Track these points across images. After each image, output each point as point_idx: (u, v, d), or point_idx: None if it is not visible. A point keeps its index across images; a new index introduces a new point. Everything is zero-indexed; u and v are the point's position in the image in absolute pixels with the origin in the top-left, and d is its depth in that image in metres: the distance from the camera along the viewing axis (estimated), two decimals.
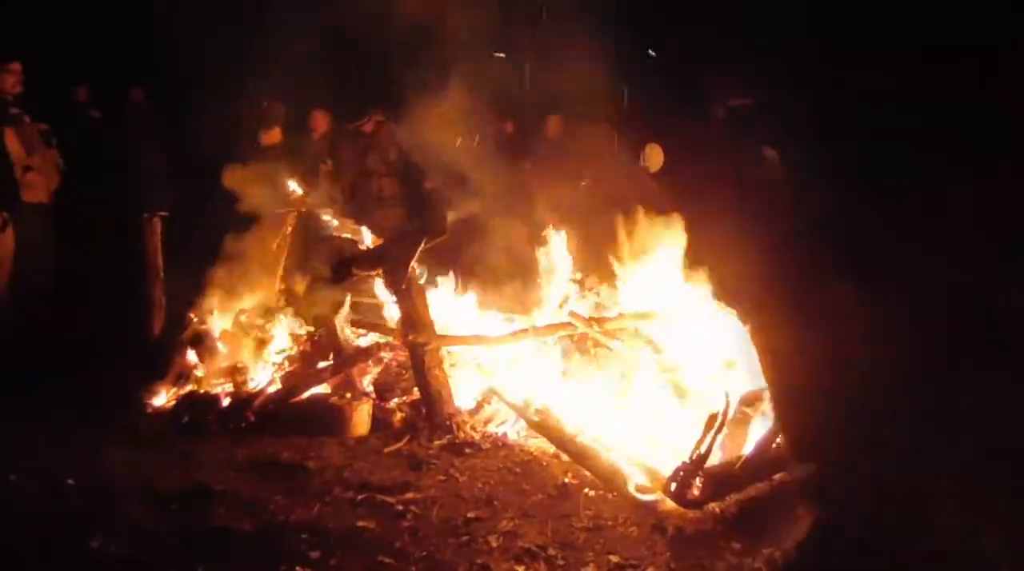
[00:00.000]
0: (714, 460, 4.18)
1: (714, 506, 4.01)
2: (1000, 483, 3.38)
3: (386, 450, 4.60)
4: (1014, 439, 3.41)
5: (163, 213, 6.30)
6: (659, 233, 5.66)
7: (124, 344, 5.79)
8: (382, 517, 3.84)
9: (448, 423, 4.78)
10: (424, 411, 4.92)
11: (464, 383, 5.21)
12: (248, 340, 5.65)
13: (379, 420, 4.90)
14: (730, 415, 4.34)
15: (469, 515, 3.89)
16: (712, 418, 4.20)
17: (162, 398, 5.20)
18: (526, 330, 5.31)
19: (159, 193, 7.07)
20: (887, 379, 3.73)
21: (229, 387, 5.31)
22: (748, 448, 4.38)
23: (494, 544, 3.64)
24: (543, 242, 6.26)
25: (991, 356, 3.59)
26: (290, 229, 6.52)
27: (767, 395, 4.74)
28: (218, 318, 5.85)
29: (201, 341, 5.64)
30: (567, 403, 4.84)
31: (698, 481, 4.05)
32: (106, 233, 6.77)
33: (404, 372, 5.39)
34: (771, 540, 3.80)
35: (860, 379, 3.77)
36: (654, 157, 7.91)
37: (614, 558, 3.59)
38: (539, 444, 4.69)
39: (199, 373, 5.46)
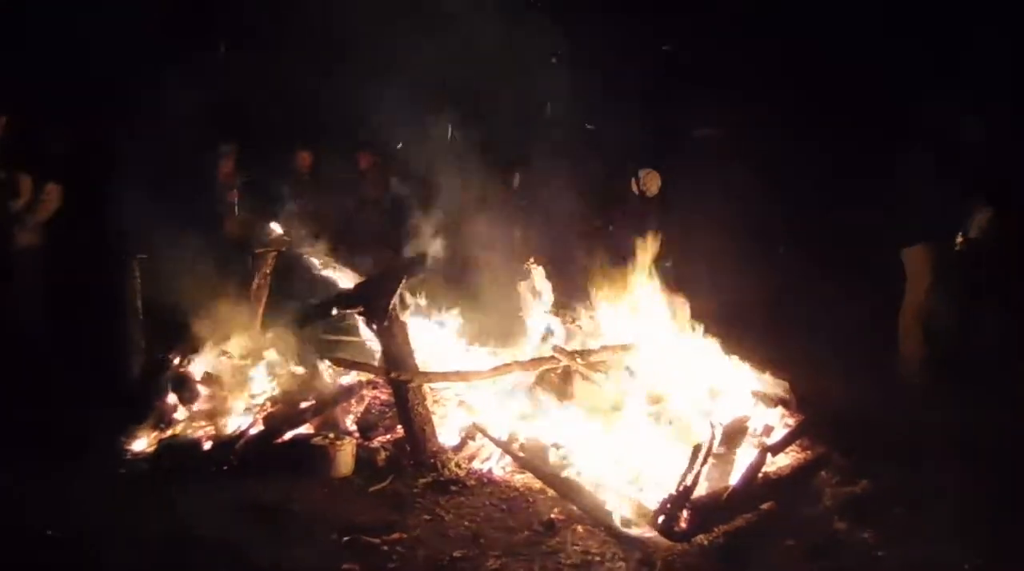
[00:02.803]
0: (701, 491, 4.19)
1: (701, 538, 4.02)
2: None
3: (370, 490, 4.56)
4: None
5: (142, 255, 6.27)
6: (637, 264, 5.74)
7: (103, 387, 5.71)
8: (368, 559, 3.80)
9: (432, 461, 4.76)
10: (408, 449, 4.90)
11: (448, 420, 5.20)
12: (229, 382, 5.59)
13: (363, 459, 4.85)
14: (715, 446, 4.36)
15: (455, 554, 3.86)
16: (697, 449, 4.21)
17: (143, 442, 5.13)
18: (509, 365, 5.31)
19: (137, 235, 7.04)
20: None
21: (211, 430, 5.25)
22: (734, 478, 4.39)
23: None
24: (524, 276, 6.31)
25: None
26: (269, 269, 6.49)
27: (751, 426, 4.78)
28: (199, 360, 5.80)
29: (182, 383, 5.58)
30: (552, 438, 4.84)
31: (685, 513, 4.06)
32: (83, 275, 6.73)
33: (387, 410, 5.36)
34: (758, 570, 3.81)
35: None
36: (653, 183, 8.01)
37: None
38: (525, 480, 4.68)
39: (180, 416, 5.40)
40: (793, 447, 4.90)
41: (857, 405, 5.45)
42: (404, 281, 5.08)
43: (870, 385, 5.84)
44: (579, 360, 5.23)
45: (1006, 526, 3.97)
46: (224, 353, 5.76)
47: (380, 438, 5.15)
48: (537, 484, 4.59)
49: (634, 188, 8.01)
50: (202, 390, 5.59)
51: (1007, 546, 3.82)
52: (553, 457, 4.67)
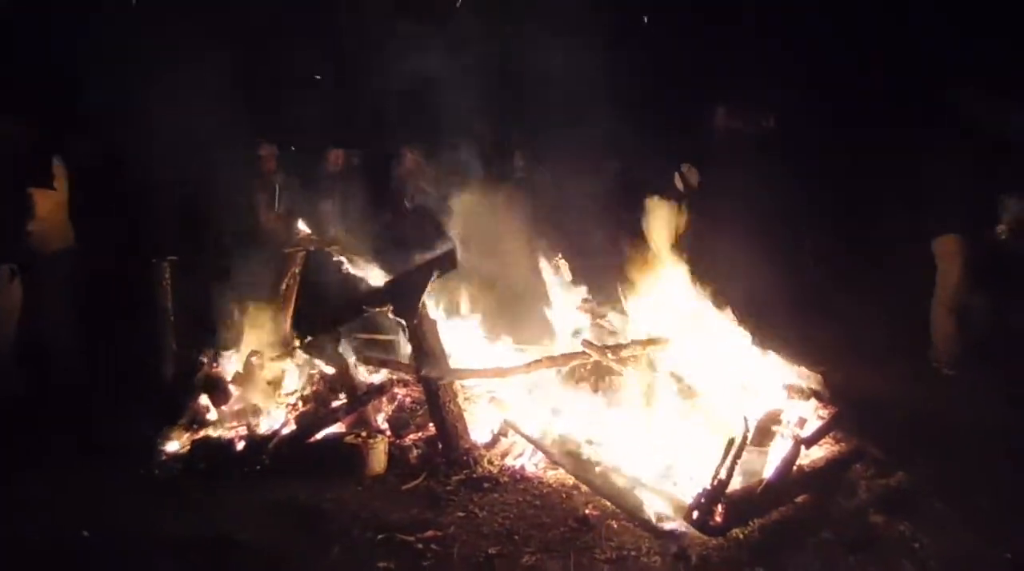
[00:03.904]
0: (735, 485, 4.18)
1: (737, 532, 4.01)
2: None
3: (404, 488, 4.60)
4: None
5: (172, 257, 6.34)
6: (666, 256, 5.72)
7: (136, 390, 5.80)
8: (402, 557, 3.83)
9: (465, 458, 4.77)
10: (440, 447, 4.91)
11: (479, 417, 5.21)
12: (261, 382, 5.65)
13: (395, 458, 4.88)
14: (748, 439, 4.34)
15: (490, 551, 3.89)
16: (730, 443, 4.20)
17: (176, 444, 5.19)
18: (540, 360, 5.32)
19: (167, 236, 7.13)
20: None
21: (243, 430, 5.31)
22: (769, 471, 4.37)
23: None
24: (554, 270, 6.32)
25: None
26: (299, 268, 6.54)
27: (785, 418, 4.75)
28: (230, 360, 5.87)
29: (214, 385, 5.64)
30: (584, 433, 4.85)
31: (719, 508, 4.04)
32: (114, 278, 6.82)
33: (419, 408, 5.38)
34: (796, 565, 3.79)
35: None
36: (693, 177, 7.98)
37: None
38: (558, 476, 4.69)
39: (212, 417, 5.46)
40: (827, 440, 4.88)
41: (891, 396, 5.41)
42: (434, 278, 5.08)
43: (904, 376, 5.80)
44: (609, 355, 5.23)
45: None
46: (255, 353, 5.81)
47: (412, 436, 5.17)
48: (570, 480, 4.60)
49: (677, 183, 7.97)
50: (233, 390, 5.65)
51: None
52: (586, 453, 4.66)
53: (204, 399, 5.55)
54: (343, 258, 6.74)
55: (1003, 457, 4.53)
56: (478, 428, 5.09)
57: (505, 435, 4.98)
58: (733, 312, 5.48)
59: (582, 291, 6.30)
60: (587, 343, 5.36)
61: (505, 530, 4.10)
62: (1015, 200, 6.28)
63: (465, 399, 5.29)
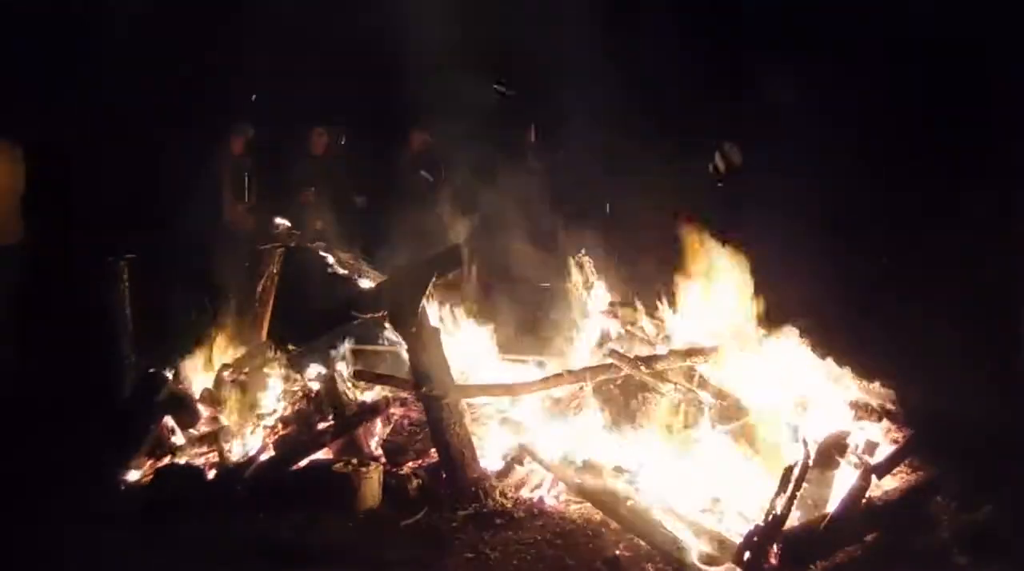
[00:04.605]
0: (793, 521, 4.15)
1: None
2: None
3: (402, 524, 4.58)
4: None
5: (130, 255, 6.35)
6: (709, 256, 5.70)
7: (90, 410, 5.80)
8: None
9: (473, 490, 4.76)
10: (444, 476, 4.91)
11: (490, 441, 5.20)
12: (234, 400, 5.66)
13: (392, 489, 4.87)
14: (809, 467, 4.32)
15: None
16: (788, 471, 4.17)
17: (137, 472, 5.21)
18: (560, 375, 5.31)
19: (123, 233, 7.16)
20: None
21: (214, 456, 5.32)
22: (833, 504, 4.34)
23: None
24: (575, 271, 6.31)
25: None
26: (277, 268, 6.56)
27: (851, 442, 4.72)
28: (198, 375, 5.88)
29: (179, 404, 5.66)
30: (613, 460, 4.83)
31: (775, 548, 4.02)
32: (63, 280, 6.85)
33: (419, 431, 5.38)
34: None
35: None
36: (736, 156, 7.98)
37: None
38: (582, 510, 4.68)
39: (178, 441, 5.48)
40: (902, 467, 4.85)
41: (975, 419, 5.36)
42: (436, 279, 5.08)
43: (990, 396, 5.75)
44: (643, 368, 5.21)
45: None
46: (227, 367, 5.82)
47: (411, 464, 5.17)
48: (597, 515, 4.58)
49: (719, 163, 7.97)
50: (202, 410, 5.66)
51: None
52: (616, 483, 4.64)
53: (168, 420, 5.55)
54: (328, 256, 6.77)
55: None
56: (488, 455, 5.08)
57: (520, 463, 4.96)
58: (791, 319, 5.46)
59: (610, 293, 6.29)
60: (616, 354, 5.34)
61: None
62: None
63: (473, 421, 5.29)
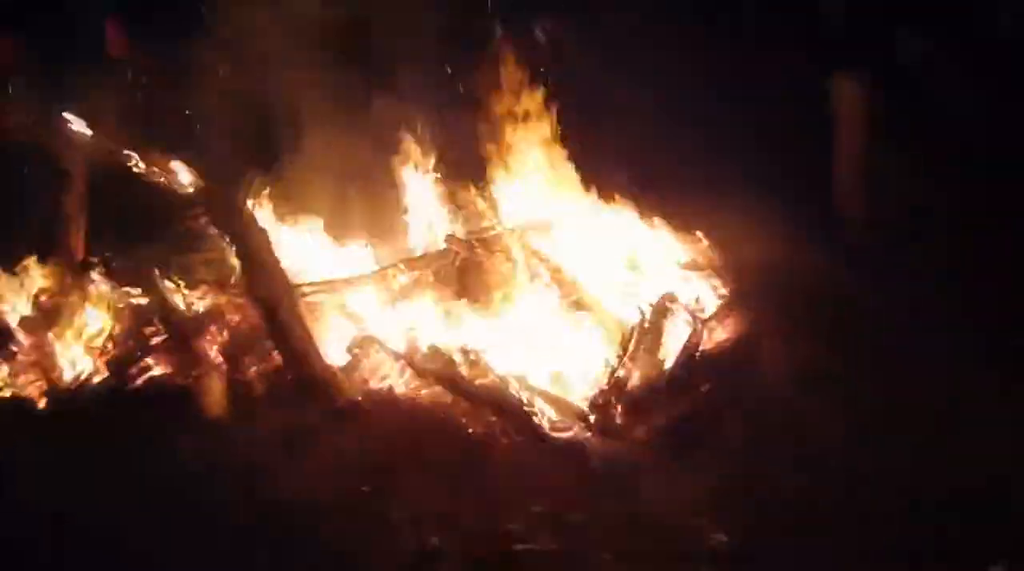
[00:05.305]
0: (635, 381, 4.35)
1: (642, 432, 4.19)
2: None
3: (253, 429, 4.51)
4: None
5: None
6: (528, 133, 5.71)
7: None
8: (260, 511, 3.79)
9: (322, 387, 4.73)
10: (291, 377, 4.85)
11: (333, 336, 5.16)
12: (56, 323, 5.40)
13: (238, 395, 4.80)
14: (645, 327, 4.50)
15: (364, 489, 3.91)
16: (626, 335, 4.34)
17: None
18: (395, 264, 5.29)
19: None
20: None
21: (43, 384, 5.09)
22: (669, 361, 4.56)
23: (400, 516, 3.69)
24: (399, 154, 6.19)
25: None
26: (83, 179, 6.18)
27: (682, 298, 4.93)
28: (11, 304, 5.56)
29: None
30: (458, 341, 4.89)
31: (620, 408, 4.21)
32: None
33: (260, 334, 5.27)
34: (707, 460, 4.01)
35: None
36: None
37: (540, 509, 3.70)
38: (433, 394, 4.72)
39: (1, 373, 5.21)
40: (729, 318, 5.08)
41: (795, 266, 5.60)
42: (257, 173, 4.92)
43: (810, 244, 5.98)
44: (478, 248, 5.25)
45: None
46: (44, 290, 5.52)
47: (255, 368, 5.08)
48: (448, 397, 4.64)
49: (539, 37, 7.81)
50: (22, 339, 5.38)
51: None
52: (462, 364, 4.72)
53: None
54: (135, 157, 6.39)
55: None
56: (333, 350, 5.05)
57: (366, 355, 4.95)
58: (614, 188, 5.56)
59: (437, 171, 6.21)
60: (451, 238, 5.36)
61: (379, 464, 4.12)
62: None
63: (314, 317, 5.21)
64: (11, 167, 6.26)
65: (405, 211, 6.08)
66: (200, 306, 5.44)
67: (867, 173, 6.45)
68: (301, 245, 5.83)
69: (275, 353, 5.00)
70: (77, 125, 6.44)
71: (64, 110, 6.59)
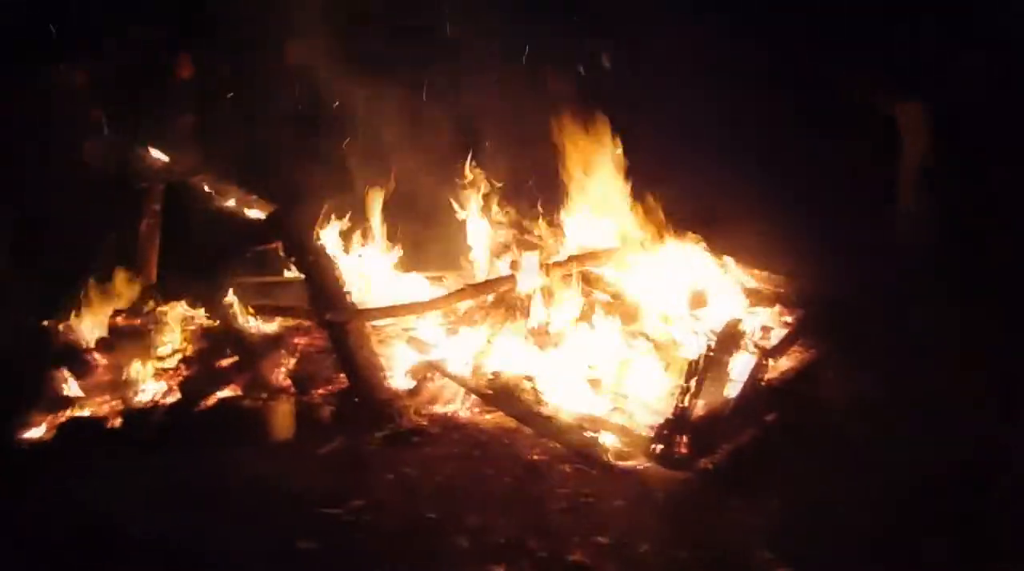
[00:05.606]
0: (698, 410, 4.32)
1: (705, 462, 4.16)
2: None
3: (319, 452, 4.59)
4: None
5: None
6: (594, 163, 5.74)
7: None
8: (328, 533, 3.84)
9: (387, 411, 4.79)
10: (357, 400, 4.92)
11: (398, 361, 5.22)
12: (129, 345, 5.53)
13: (305, 418, 4.87)
14: (711, 357, 4.47)
15: (429, 515, 3.93)
16: (692, 365, 4.33)
17: (37, 430, 5.07)
18: (462, 290, 5.34)
19: None
20: None
21: (117, 404, 5.21)
22: (733, 390, 4.52)
23: (464, 544, 3.70)
24: (464, 183, 6.27)
25: None
26: (159, 205, 6.36)
27: (746, 325, 4.89)
28: (88, 325, 5.71)
29: (71, 355, 5.50)
30: (522, 368, 4.92)
31: (683, 438, 4.19)
32: None
33: (326, 358, 5.36)
34: (771, 490, 3.96)
35: None
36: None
37: (602, 539, 3.68)
38: (496, 420, 4.77)
39: (76, 393, 5.34)
40: (795, 348, 5.03)
41: (854, 299, 5.54)
42: (327, 204, 5.02)
43: (868, 271, 5.92)
44: (544, 277, 5.28)
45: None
46: (118, 312, 5.67)
47: (321, 391, 5.16)
48: (511, 423, 4.68)
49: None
50: (98, 360, 5.52)
51: None
52: (526, 390, 4.74)
53: (64, 373, 5.40)
54: (211, 190, 6.58)
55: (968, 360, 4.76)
56: (398, 374, 5.11)
57: (431, 379, 5.00)
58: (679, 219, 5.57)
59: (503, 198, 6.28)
60: (516, 265, 5.40)
61: (443, 489, 4.14)
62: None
63: (379, 342, 5.29)
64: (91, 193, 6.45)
65: (471, 238, 6.16)
66: (269, 330, 5.57)
67: (931, 203, 6.36)
68: (369, 270, 5.92)
69: (342, 377, 5.08)
70: (155, 153, 6.65)
71: (143, 138, 6.81)
